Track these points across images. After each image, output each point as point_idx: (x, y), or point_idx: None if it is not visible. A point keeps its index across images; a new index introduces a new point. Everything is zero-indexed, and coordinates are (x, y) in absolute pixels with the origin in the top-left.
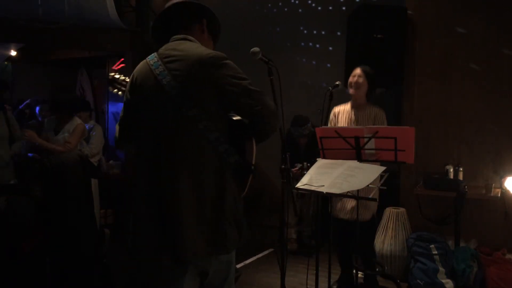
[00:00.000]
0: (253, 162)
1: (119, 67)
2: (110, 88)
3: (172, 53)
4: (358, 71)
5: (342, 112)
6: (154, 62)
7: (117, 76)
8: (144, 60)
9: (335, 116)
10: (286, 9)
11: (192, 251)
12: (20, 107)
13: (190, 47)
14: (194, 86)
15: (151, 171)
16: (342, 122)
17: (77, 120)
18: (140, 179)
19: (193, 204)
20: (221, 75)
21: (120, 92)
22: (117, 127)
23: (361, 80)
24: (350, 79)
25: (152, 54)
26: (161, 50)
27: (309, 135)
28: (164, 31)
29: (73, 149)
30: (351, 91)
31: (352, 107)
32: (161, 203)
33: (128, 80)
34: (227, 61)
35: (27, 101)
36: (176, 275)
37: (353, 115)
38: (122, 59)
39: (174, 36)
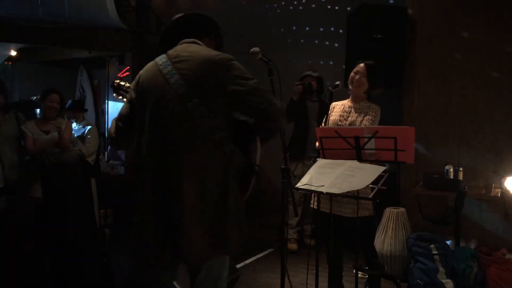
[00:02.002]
0: (257, 163)
1: (124, 75)
2: (115, 95)
3: (181, 54)
4: (361, 68)
5: (339, 106)
6: (163, 62)
7: (122, 83)
8: (153, 61)
9: (331, 111)
10: (285, 9)
11: (195, 252)
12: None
13: (198, 49)
14: (201, 85)
15: (157, 169)
16: (336, 114)
17: (61, 119)
18: (144, 177)
19: (197, 204)
20: (228, 75)
21: (124, 98)
22: (113, 123)
23: (362, 78)
24: (352, 74)
25: (162, 55)
26: (170, 51)
27: None
28: (174, 36)
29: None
30: (350, 87)
31: (350, 101)
32: (166, 202)
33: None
34: (234, 62)
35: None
36: (170, 272)
37: (347, 107)
38: (128, 67)
39: (184, 40)
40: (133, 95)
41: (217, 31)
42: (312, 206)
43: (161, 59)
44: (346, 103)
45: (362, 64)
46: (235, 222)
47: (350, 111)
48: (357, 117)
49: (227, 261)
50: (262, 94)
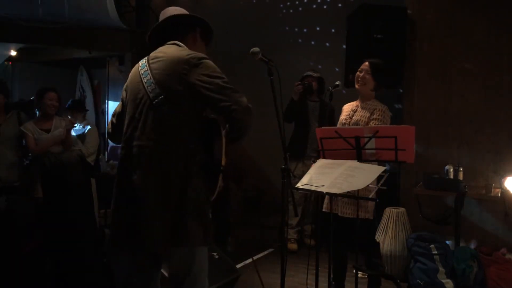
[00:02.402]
0: (223, 162)
1: None
2: None
3: (158, 55)
4: (366, 65)
5: (348, 106)
6: (142, 64)
7: None
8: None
9: (342, 113)
10: (286, 9)
11: (152, 239)
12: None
13: (175, 49)
14: (168, 84)
15: (128, 162)
16: (344, 114)
17: (59, 119)
18: (119, 169)
19: (158, 196)
20: (196, 73)
21: None
22: (111, 119)
23: (366, 76)
24: (357, 73)
25: (145, 57)
26: (152, 53)
27: None
28: (160, 39)
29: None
30: (356, 86)
31: (358, 101)
32: (132, 192)
33: None
34: (205, 60)
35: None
36: (138, 260)
37: (354, 107)
38: None
39: (168, 41)
40: (124, 94)
41: (203, 25)
42: (324, 209)
43: (142, 60)
44: (354, 103)
45: (366, 62)
46: (196, 217)
47: (356, 110)
48: (361, 116)
49: (197, 256)
50: (227, 93)
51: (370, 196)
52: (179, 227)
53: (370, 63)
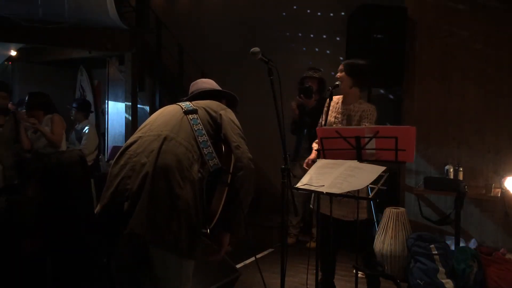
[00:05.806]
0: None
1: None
2: None
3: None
4: (341, 66)
5: (335, 102)
6: (183, 102)
7: None
8: None
9: (331, 111)
10: (285, 11)
11: (138, 222)
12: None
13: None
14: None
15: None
16: (331, 113)
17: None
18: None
19: (158, 187)
20: (224, 113)
21: None
22: None
23: (341, 74)
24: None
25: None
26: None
27: None
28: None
29: (59, 139)
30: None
31: (343, 102)
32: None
33: None
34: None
35: None
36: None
37: (340, 109)
38: None
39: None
40: None
41: (228, 97)
42: (311, 206)
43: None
44: (340, 102)
45: (341, 64)
46: (185, 222)
47: (344, 113)
48: (347, 123)
49: (183, 267)
50: (240, 139)
51: (370, 196)
52: (161, 226)
53: (343, 62)
